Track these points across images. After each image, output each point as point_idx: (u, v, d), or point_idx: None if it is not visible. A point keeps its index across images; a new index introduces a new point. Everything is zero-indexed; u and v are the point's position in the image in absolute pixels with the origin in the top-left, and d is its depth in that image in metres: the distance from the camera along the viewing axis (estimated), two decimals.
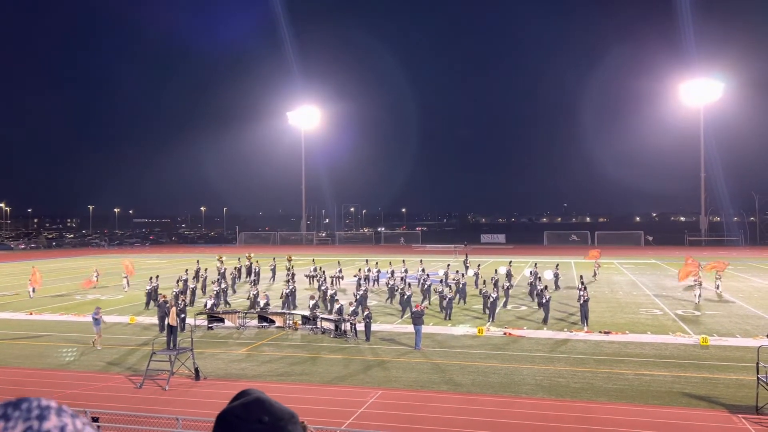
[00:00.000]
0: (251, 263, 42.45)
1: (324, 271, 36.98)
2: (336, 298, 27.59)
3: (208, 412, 14.74)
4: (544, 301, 26.83)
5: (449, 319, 27.38)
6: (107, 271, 49.28)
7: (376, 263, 42.33)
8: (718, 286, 34.63)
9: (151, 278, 33.14)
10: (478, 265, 40.79)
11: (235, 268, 42.05)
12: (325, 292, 30.92)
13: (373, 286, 38.34)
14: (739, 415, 14.79)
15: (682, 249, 76.18)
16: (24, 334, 25.69)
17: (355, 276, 35.85)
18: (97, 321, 22.36)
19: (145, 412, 14.78)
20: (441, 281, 35.32)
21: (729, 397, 16.12)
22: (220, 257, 43.68)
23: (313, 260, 44.36)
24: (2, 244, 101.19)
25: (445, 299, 28.15)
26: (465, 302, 31.53)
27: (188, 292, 32.63)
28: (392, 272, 36.73)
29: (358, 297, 28.13)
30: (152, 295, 31.56)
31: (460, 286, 32.11)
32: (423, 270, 37.72)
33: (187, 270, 37.59)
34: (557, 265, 40.08)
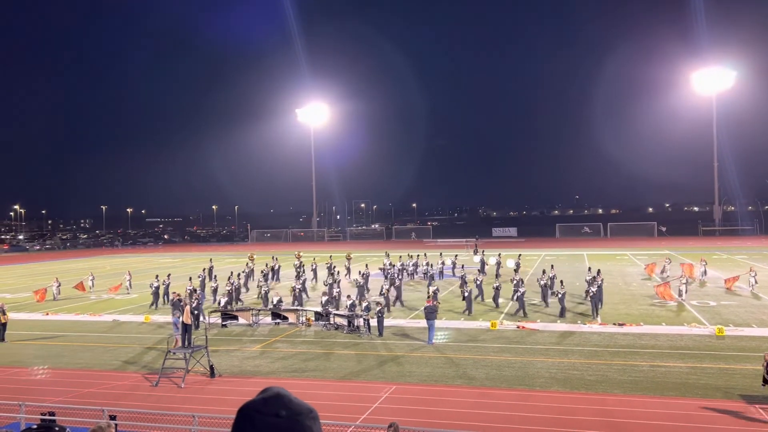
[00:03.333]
0: (300, 262, 41.38)
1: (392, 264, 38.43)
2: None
3: (223, 409, 14.85)
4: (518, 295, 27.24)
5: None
6: (115, 272, 49.63)
7: (410, 256, 43.56)
8: (751, 284, 31.89)
9: (157, 276, 33.64)
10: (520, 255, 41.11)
11: (269, 266, 40.63)
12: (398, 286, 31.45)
13: (412, 278, 39.93)
14: (756, 406, 14.67)
15: (695, 239, 75.59)
16: (41, 335, 25.98)
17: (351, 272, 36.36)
18: (177, 326, 22.06)
19: (162, 410, 14.89)
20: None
21: (746, 388, 15.99)
22: (252, 256, 43.48)
23: (387, 253, 43.95)
24: (18, 245, 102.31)
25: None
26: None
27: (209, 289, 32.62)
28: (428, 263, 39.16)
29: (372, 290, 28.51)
30: (160, 293, 31.99)
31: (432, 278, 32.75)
32: (442, 263, 39.21)
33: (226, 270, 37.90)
34: (519, 255, 42.23)
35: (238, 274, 35.36)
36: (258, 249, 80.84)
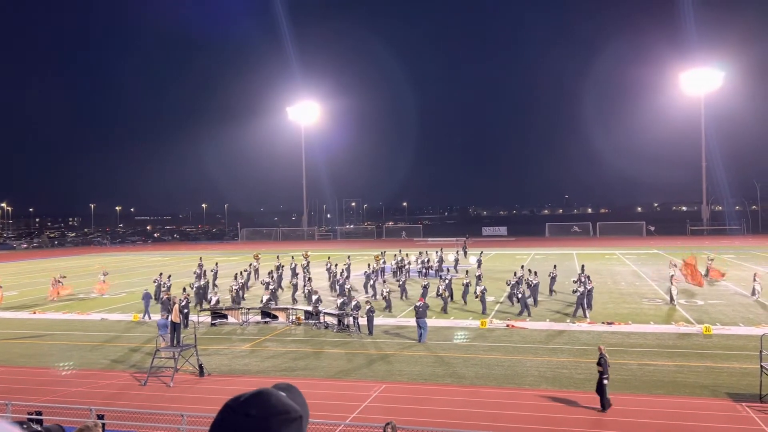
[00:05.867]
0: (308, 262, 40.09)
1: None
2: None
3: (212, 408, 14.77)
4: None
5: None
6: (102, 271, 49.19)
7: (407, 254, 43.62)
8: (757, 291, 29.50)
9: (161, 273, 33.51)
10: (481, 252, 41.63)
11: (290, 266, 40.15)
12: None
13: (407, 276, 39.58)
14: (743, 404, 14.80)
15: (684, 239, 76.10)
16: (29, 333, 25.77)
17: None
18: (164, 327, 21.72)
19: (150, 409, 14.81)
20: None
21: (732, 386, 16.13)
22: (257, 255, 42.99)
23: (418, 251, 43.59)
24: (5, 243, 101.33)
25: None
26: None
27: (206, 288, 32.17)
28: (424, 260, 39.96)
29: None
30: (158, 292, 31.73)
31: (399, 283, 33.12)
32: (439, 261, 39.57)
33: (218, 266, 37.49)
34: (481, 252, 44.47)
35: (241, 272, 35.43)
36: (248, 248, 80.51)
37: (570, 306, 27.70)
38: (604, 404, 14.62)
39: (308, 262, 40.17)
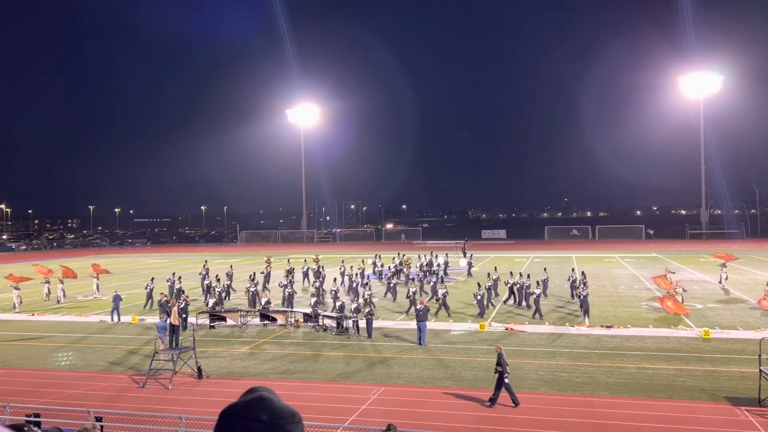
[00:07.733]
0: (318, 266, 39.42)
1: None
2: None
3: (210, 410, 14.77)
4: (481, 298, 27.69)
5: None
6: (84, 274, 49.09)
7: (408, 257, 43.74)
8: (720, 279, 32.84)
9: (169, 278, 33.57)
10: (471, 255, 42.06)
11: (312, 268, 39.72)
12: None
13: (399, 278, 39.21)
14: (742, 408, 14.80)
15: (683, 242, 76.20)
16: (27, 335, 25.73)
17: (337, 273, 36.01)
18: (164, 329, 21.64)
19: (149, 412, 14.81)
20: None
21: (731, 390, 16.13)
22: (269, 259, 42.90)
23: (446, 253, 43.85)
24: (4, 245, 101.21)
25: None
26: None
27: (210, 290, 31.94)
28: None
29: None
30: (154, 296, 31.66)
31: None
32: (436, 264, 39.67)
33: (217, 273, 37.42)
34: (471, 255, 45.16)
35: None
36: (247, 250, 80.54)
37: (570, 310, 27.71)
38: (515, 400, 15.18)
39: (318, 266, 39.98)
